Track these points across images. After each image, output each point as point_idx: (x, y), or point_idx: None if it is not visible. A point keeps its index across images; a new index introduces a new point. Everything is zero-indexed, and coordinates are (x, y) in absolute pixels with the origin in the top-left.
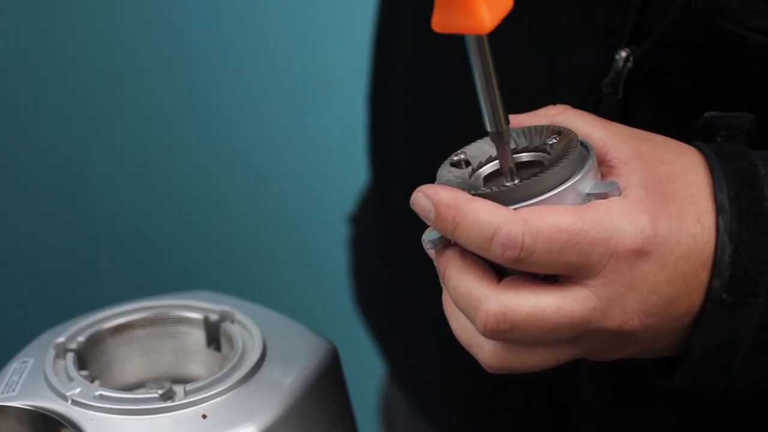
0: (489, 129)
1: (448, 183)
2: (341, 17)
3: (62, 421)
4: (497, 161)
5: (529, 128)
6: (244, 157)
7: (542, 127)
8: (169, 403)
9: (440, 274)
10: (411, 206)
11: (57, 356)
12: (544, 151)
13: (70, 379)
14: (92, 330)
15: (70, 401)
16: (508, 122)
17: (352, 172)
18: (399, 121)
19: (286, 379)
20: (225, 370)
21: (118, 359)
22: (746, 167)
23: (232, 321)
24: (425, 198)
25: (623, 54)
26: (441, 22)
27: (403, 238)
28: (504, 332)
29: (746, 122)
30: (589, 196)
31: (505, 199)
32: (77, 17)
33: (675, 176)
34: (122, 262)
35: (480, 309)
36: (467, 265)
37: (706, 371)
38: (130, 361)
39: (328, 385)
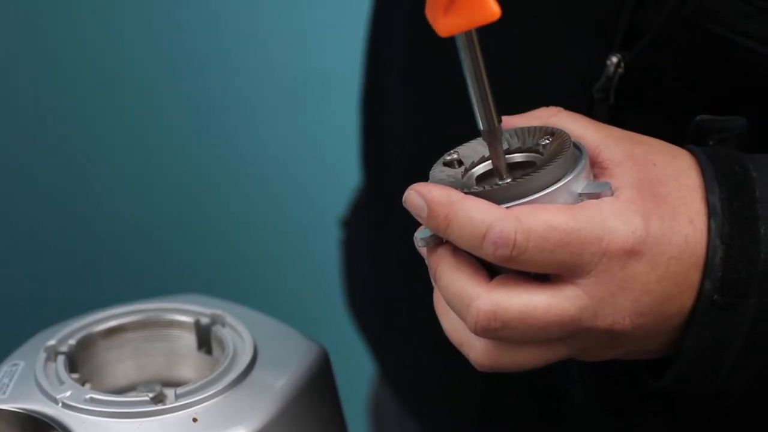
0: (481, 127)
1: (440, 182)
2: (336, 19)
3: (53, 424)
4: (489, 161)
5: (522, 129)
6: (236, 160)
7: (535, 128)
8: (160, 407)
9: (431, 272)
10: (403, 204)
11: (48, 359)
12: (536, 151)
13: (61, 382)
14: (83, 333)
15: (60, 404)
16: (500, 120)
17: (344, 176)
18: (392, 124)
19: (277, 383)
20: (216, 373)
21: (109, 362)
22: (738, 170)
23: (223, 324)
24: (418, 196)
25: (614, 59)
26: (448, 25)
27: (396, 240)
28: (495, 330)
29: (738, 126)
30: (582, 196)
31: (498, 197)
32: (76, 17)
33: (667, 178)
34: (113, 265)
35: (471, 307)
36: (459, 264)
37: (697, 372)
38: (121, 364)
39: (318, 388)
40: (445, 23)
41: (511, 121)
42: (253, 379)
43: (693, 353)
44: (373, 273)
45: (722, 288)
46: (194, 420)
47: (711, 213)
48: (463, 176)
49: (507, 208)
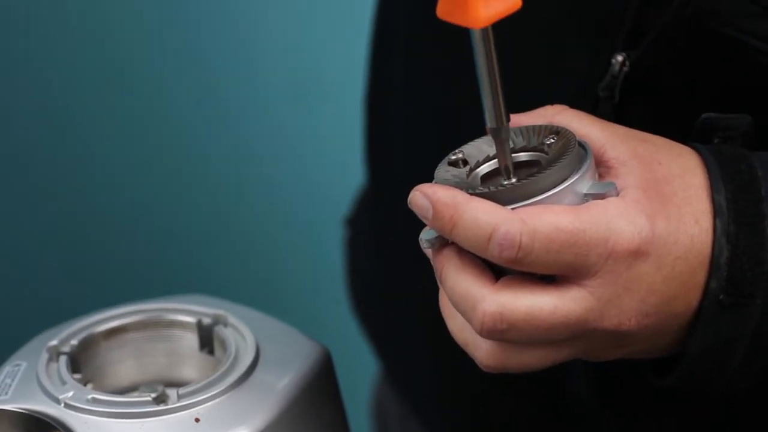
0: (489, 124)
1: (445, 182)
2: (340, 18)
3: (55, 425)
4: (494, 161)
5: (527, 128)
6: (238, 159)
7: (540, 126)
8: (162, 407)
9: (437, 274)
10: (408, 205)
11: (50, 359)
12: (541, 150)
13: (63, 383)
14: (85, 333)
15: (62, 404)
16: (508, 119)
17: (347, 174)
18: (396, 122)
19: (279, 383)
20: (218, 373)
21: (111, 362)
22: (744, 169)
23: (225, 324)
24: (423, 197)
25: (619, 58)
26: (443, 10)
27: (399, 239)
28: (501, 332)
29: (744, 124)
30: (587, 197)
31: (503, 198)
32: (77, 17)
33: (672, 177)
34: (116, 266)
35: (477, 309)
36: (464, 265)
37: (702, 372)
38: (123, 364)
39: (320, 388)
40: (440, 7)
41: (515, 120)
42: (256, 380)
43: (699, 353)
44: (376, 271)
45: (728, 287)
46: (196, 420)
47: (717, 212)
48: (467, 176)
49: (512, 209)
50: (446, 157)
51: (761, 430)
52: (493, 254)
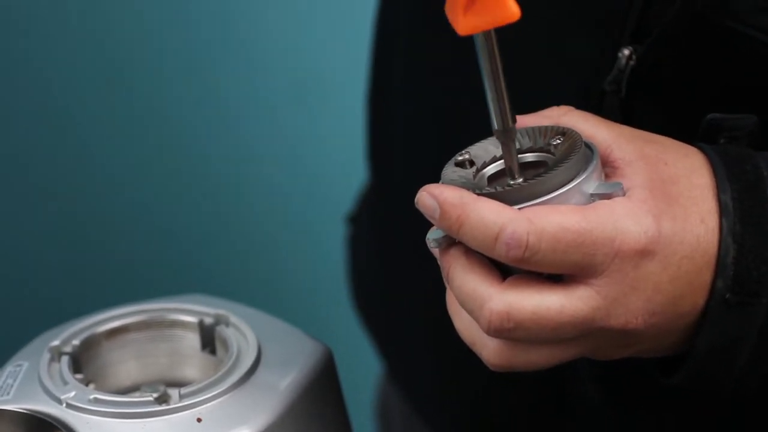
0: (495, 126)
1: (452, 183)
2: (341, 17)
3: (57, 425)
4: (501, 161)
5: (533, 129)
6: (240, 159)
7: (546, 127)
8: (164, 407)
9: (444, 273)
10: (415, 205)
11: (52, 359)
12: (548, 151)
13: (65, 383)
14: (87, 333)
15: (64, 404)
16: (514, 120)
17: (349, 172)
18: (398, 120)
19: (281, 383)
20: (220, 373)
21: (112, 362)
22: (750, 169)
23: (227, 324)
24: (430, 197)
25: (626, 52)
26: (468, 24)
27: (402, 238)
28: (508, 331)
29: (749, 124)
30: (594, 197)
31: (510, 198)
32: (74, 18)
33: (679, 177)
34: (117, 266)
35: (484, 308)
36: (471, 264)
37: (709, 370)
38: (125, 364)
39: (323, 388)
40: (465, 22)
41: (521, 121)
42: (258, 379)
43: (705, 352)
44: (379, 270)
45: (734, 287)
46: (198, 420)
47: (723, 212)
48: (474, 177)
49: (519, 209)
50: (453, 158)
51: (763, 427)
52: (500, 254)
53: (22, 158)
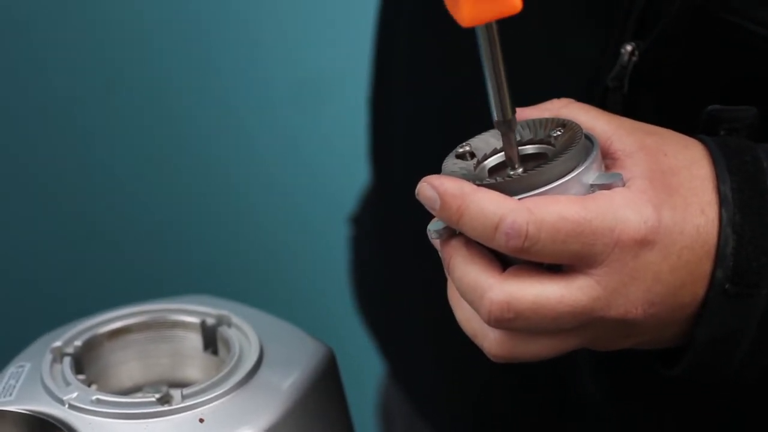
0: (495, 118)
1: (453, 174)
2: (341, 17)
3: (59, 426)
4: (502, 153)
5: (534, 121)
6: (241, 159)
7: (547, 119)
8: (166, 407)
9: (445, 264)
10: (416, 196)
11: (54, 360)
12: (548, 143)
13: (67, 384)
14: (89, 334)
15: (67, 405)
16: (514, 111)
17: (351, 173)
18: (400, 119)
19: (284, 383)
20: (222, 374)
21: (115, 363)
22: (749, 160)
23: (229, 325)
24: (430, 188)
25: (629, 48)
26: (470, 15)
27: (404, 238)
28: (508, 321)
29: (750, 116)
30: (594, 187)
31: (510, 189)
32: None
33: (678, 168)
34: (119, 266)
35: (484, 298)
36: (472, 255)
37: (709, 361)
38: (127, 365)
39: (325, 388)
40: (467, 14)
41: (522, 113)
42: (260, 380)
43: (705, 343)
44: (380, 270)
45: (734, 277)
46: (201, 421)
47: (722, 203)
48: (475, 168)
49: (519, 199)
50: (454, 150)
51: (765, 425)
52: (500, 244)
53: (24, 158)
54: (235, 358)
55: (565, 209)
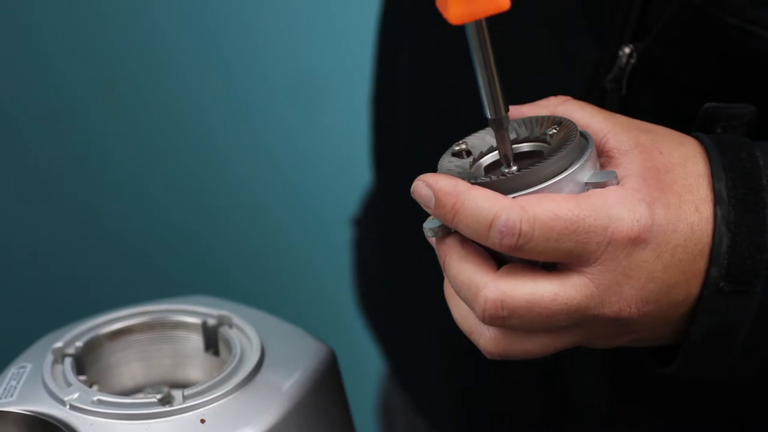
0: (488, 115)
1: (448, 172)
2: (347, 17)
3: (61, 426)
4: (497, 151)
5: (530, 119)
6: (243, 161)
7: (543, 117)
8: (167, 408)
9: (441, 262)
10: (411, 194)
11: (55, 361)
12: (544, 141)
13: (68, 384)
14: (90, 335)
15: (68, 406)
16: (507, 109)
17: (354, 175)
18: (402, 120)
19: (285, 383)
20: (223, 374)
21: (116, 364)
22: (745, 158)
23: (230, 325)
24: (425, 186)
25: (627, 50)
26: (459, 13)
27: (406, 240)
28: (502, 318)
29: (746, 113)
30: (588, 185)
31: (505, 187)
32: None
33: (673, 166)
34: (120, 267)
35: (479, 296)
36: (467, 253)
37: (704, 359)
38: (129, 365)
39: (326, 388)
40: (456, 12)
41: (519, 110)
42: (261, 380)
43: (700, 340)
44: (383, 271)
45: (728, 275)
46: (202, 421)
47: (717, 200)
48: (471, 166)
49: (513, 198)
50: (450, 148)
51: (764, 425)
52: (494, 242)
53: (26, 159)
54: (237, 358)
55: (558, 207)
